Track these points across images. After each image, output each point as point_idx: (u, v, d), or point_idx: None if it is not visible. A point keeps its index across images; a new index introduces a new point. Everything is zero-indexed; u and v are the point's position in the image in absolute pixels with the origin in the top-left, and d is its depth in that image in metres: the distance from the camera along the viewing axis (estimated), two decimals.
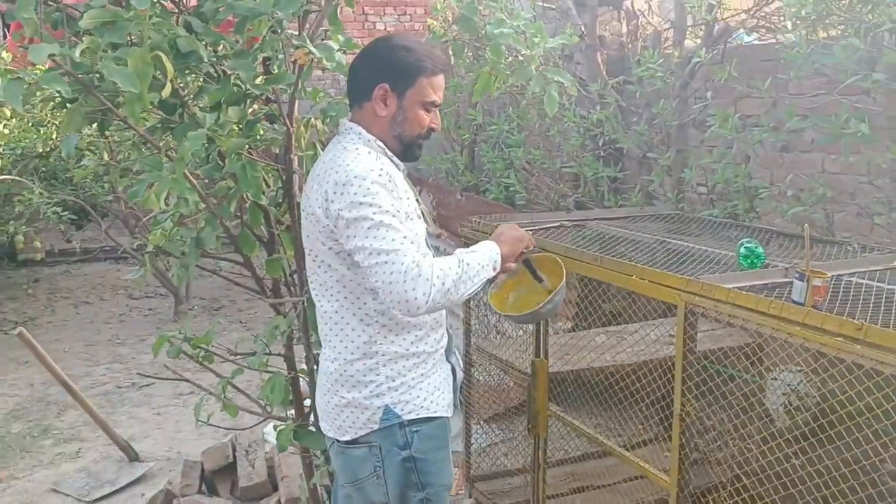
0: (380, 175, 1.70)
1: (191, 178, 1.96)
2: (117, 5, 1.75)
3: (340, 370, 1.81)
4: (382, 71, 1.80)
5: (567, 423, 2.57)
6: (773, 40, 3.56)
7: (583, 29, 4.27)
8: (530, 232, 2.72)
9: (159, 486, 3.48)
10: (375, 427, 1.79)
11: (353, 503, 1.89)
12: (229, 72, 2.04)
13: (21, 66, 1.77)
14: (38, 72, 1.71)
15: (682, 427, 2.02)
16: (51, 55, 1.62)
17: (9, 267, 7.85)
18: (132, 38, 1.79)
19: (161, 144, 1.93)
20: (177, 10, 2.05)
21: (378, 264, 1.64)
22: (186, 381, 2.46)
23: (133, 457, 3.77)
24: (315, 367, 2.20)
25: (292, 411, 2.46)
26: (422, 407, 1.81)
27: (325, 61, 1.87)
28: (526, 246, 1.92)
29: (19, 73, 1.62)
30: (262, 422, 2.52)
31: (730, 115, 3.20)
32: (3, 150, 5.33)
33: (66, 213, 5.43)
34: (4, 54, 4.20)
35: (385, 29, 8.90)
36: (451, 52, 2.72)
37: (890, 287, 1.99)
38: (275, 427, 2.39)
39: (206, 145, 2.02)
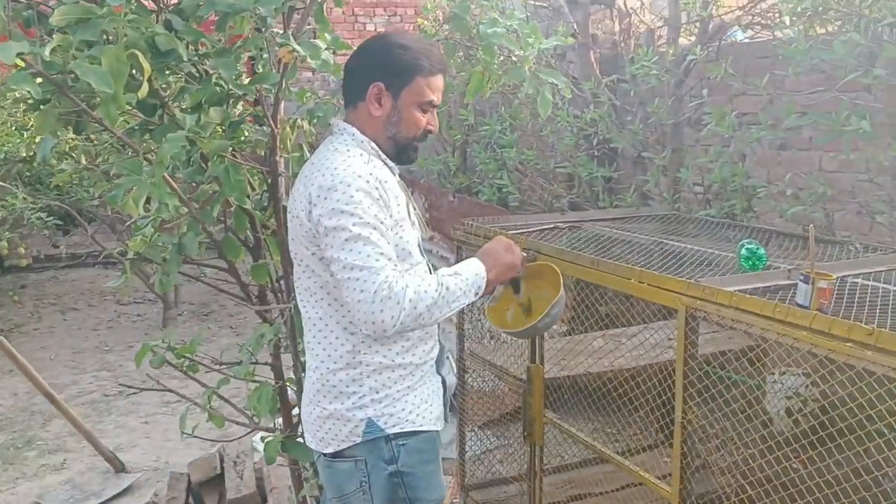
0: (367, 182, 1.62)
1: (171, 182, 1.88)
2: (91, 2, 1.67)
3: (323, 380, 1.74)
4: (377, 69, 1.73)
5: (564, 430, 2.50)
6: (769, 37, 3.51)
7: (575, 27, 4.20)
8: (524, 236, 2.68)
9: (146, 497, 3.40)
10: (358, 440, 1.71)
11: None
12: (211, 71, 1.97)
13: None
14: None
15: (684, 435, 1.95)
16: (19, 54, 1.54)
17: None
18: (108, 36, 1.72)
19: (141, 147, 1.85)
20: (157, 8, 1.97)
21: (350, 279, 1.57)
22: (170, 391, 2.38)
23: (119, 468, 3.68)
24: (303, 375, 2.12)
25: (281, 421, 2.39)
26: (407, 420, 1.73)
27: (309, 59, 1.79)
28: (515, 274, 1.82)
29: None
30: (250, 432, 2.44)
31: (727, 112, 3.14)
32: None
33: (50, 218, 5.33)
34: None
35: (375, 30, 8.82)
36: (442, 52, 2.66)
37: None
38: (262, 438, 2.31)
39: (188, 148, 1.95)
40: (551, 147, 4.37)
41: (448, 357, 1.98)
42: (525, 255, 1.85)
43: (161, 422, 4.33)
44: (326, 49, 2.27)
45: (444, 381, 1.89)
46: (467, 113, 5.10)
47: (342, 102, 1.90)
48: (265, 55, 2.07)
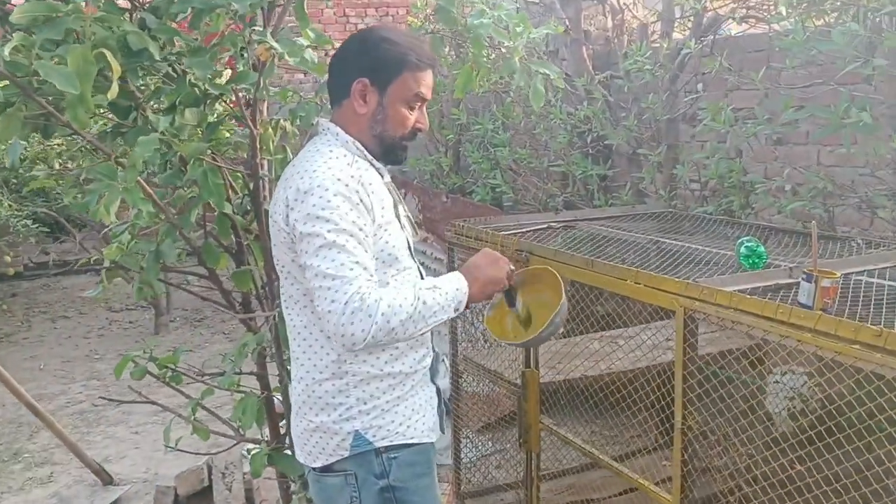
0: (346, 185, 1.54)
1: (146, 187, 1.80)
2: None
3: (308, 391, 1.66)
4: (362, 65, 1.64)
5: (560, 437, 2.42)
6: (765, 30, 3.44)
7: (567, 23, 4.14)
8: (518, 237, 2.60)
9: None
10: (346, 454, 1.63)
11: None
12: (187, 71, 1.89)
13: None
14: None
15: (685, 441, 1.87)
16: None
17: None
18: (78, 35, 1.64)
19: (113, 151, 1.77)
20: (131, 6, 1.90)
21: (321, 288, 1.49)
22: (154, 402, 2.30)
23: (107, 480, 3.60)
24: (289, 385, 2.05)
25: (268, 433, 2.31)
26: (396, 433, 1.65)
27: (287, 57, 1.71)
28: (500, 289, 1.73)
29: None
30: (236, 444, 2.36)
31: (722, 107, 3.07)
32: None
33: (35, 225, 5.23)
34: None
35: None
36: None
37: None
38: (248, 451, 2.23)
39: (165, 151, 1.87)
40: (545, 145, 4.30)
41: (443, 360, 1.90)
42: (513, 269, 1.75)
43: (151, 432, 4.24)
44: (309, 46, 2.20)
45: (438, 391, 1.81)
46: (459, 112, 5.03)
47: (328, 101, 1.83)
48: (245, 54, 2.00)
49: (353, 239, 1.51)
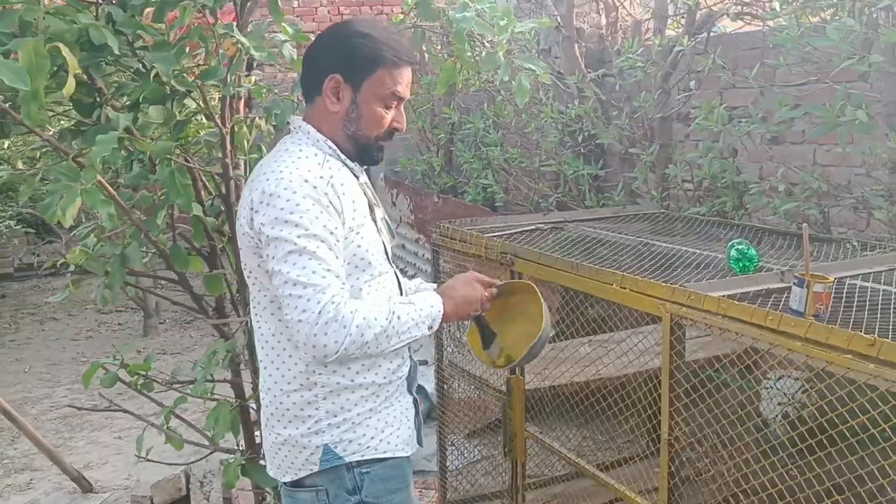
0: (315, 187, 1.46)
1: (108, 187, 1.72)
2: None
3: (276, 402, 1.59)
4: (335, 60, 1.55)
5: (546, 446, 2.35)
6: (760, 27, 3.36)
7: (559, 20, 4.06)
8: (503, 238, 2.53)
9: None
10: (316, 468, 1.56)
11: None
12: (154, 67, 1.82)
13: None
14: None
15: (671, 453, 1.80)
16: None
17: None
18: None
19: (72, 151, 1.69)
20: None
21: (291, 297, 1.42)
22: (125, 411, 2.23)
23: (87, 488, 3.52)
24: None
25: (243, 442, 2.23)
26: (368, 447, 1.58)
27: (253, 52, 1.63)
28: (475, 310, 1.65)
29: None
30: (210, 454, 2.28)
31: (715, 105, 2.99)
32: None
33: (19, 226, 5.15)
34: None
35: None
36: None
37: None
38: (222, 462, 2.15)
39: (129, 151, 1.79)
40: (536, 145, 4.22)
41: (429, 367, 1.82)
42: (492, 292, 1.67)
43: (134, 438, 4.14)
44: (286, 41, 2.13)
45: (416, 402, 1.74)
46: (451, 111, 4.95)
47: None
48: (222, 50, 1.92)
49: (324, 245, 1.44)
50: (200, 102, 1.82)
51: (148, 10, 1.81)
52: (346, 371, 1.56)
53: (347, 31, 1.59)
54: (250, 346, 2.07)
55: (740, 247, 1.99)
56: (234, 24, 1.74)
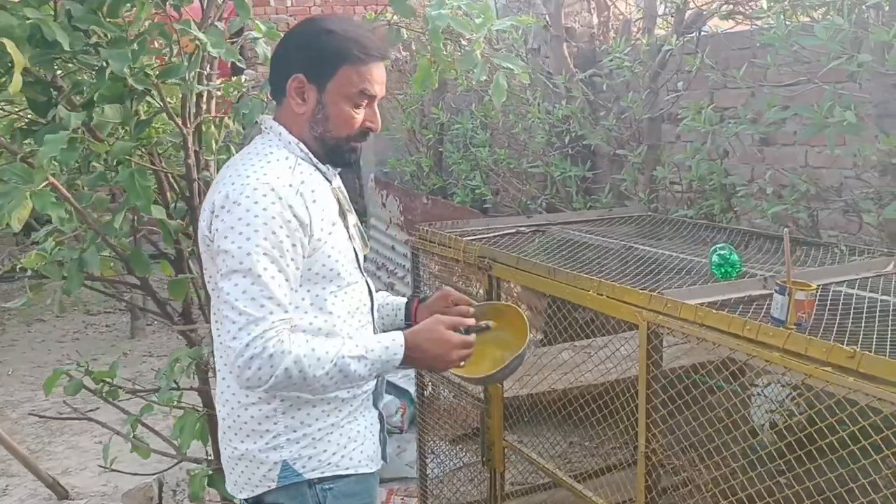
0: (280, 198, 1.38)
1: (62, 189, 1.65)
2: None
3: (234, 415, 1.52)
4: (298, 59, 1.48)
5: (524, 455, 2.28)
6: (751, 26, 3.30)
7: (547, 19, 4.00)
8: (484, 243, 2.45)
9: None
10: (274, 485, 1.49)
11: None
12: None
13: None
14: None
15: (648, 467, 1.73)
16: None
17: None
18: None
19: (21, 151, 1.63)
20: None
21: (227, 318, 1.36)
22: (88, 419, 2.16)
23: (62, 494, 3.45)
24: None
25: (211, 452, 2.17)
26: (329, 463, 1.50)
27: (209, 48, 1.57)
28: (452, 363, 1.52)
29: None
30: (177, 463, 2.22)
31: (703, 106, 2.93)
32: None
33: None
34: None
35: None
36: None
37: (885, 298, 1.72)
38: (188, 472, 2.09)
39: (87, 152, 1.73)
40: (524, 146, 4.15)
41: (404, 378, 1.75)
42: (472, 339, 1.53)
43: (115, 442, 4.08)
44: (260, 38, 2.07)
45: (381, 416, 1.67)
46: (439, 111, 4.89)
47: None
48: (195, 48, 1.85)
49: (272, 266, 1.36)
50: (159, 101, 1.75)
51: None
52: None
53: (312, 28, 1.52)
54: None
55: (723, 252, 1.92)
56: (192, 20, 1.67)
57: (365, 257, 1.66)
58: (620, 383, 2.21)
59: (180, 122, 1.81)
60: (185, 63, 1.76)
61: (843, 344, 1.31)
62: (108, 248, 1.81)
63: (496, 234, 2.64)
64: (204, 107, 2.02)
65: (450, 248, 2.43)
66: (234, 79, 2.47)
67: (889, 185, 2.39)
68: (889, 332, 1.47)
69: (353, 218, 1.62)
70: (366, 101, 1.51)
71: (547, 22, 3.96)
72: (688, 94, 3.27)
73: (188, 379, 2.02)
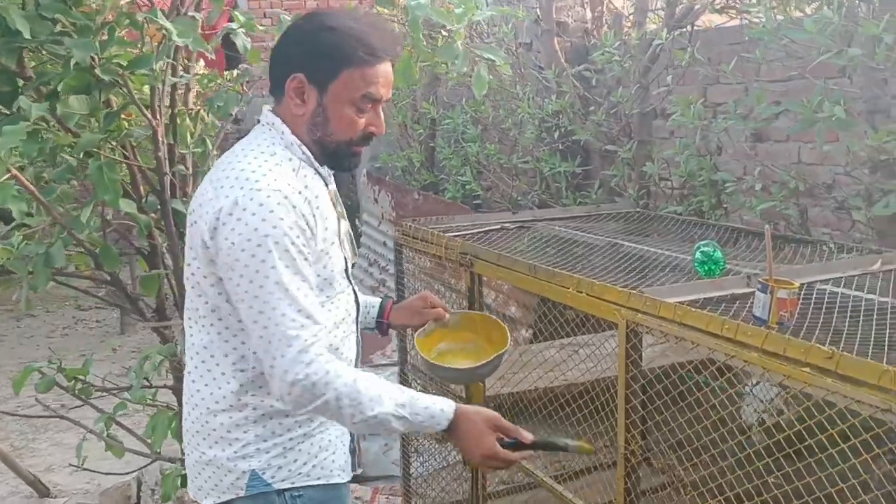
0: (294, 206, 1.33)
1: (25, 182, 1.61)
2: None
3: (202, 420, 1.46)
4: (298, 58, 1.40)
5: None
6: (744, 21, 3.25)
7: (538, 13, 3.95)
8: (467, 239, 2.42)
9: None
10: (242, 493, 1.44)
11: None
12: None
13: None
14: None
15: (628, 468, 1.70)
16: None
17: None
18: None
19: None
20: None
21: (262, 339, 1.33)
22: (62, 417, 2.12)
23: (44, 492, 3.41)
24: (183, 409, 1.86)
25: None
26: (299, 474, 1.46)
27: (175, 37, 1.52)
28: (492, 468, 1.51)
29: None
30: (151, 462, 2.18)
31: (692, 101, 2.88)
32: None
33: None
34: None
35: None
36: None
37: (869, 297, 1.68)
38: (162, 472, 2.05)
39: (52, 144, 1.68)
40: (514, 141, 4.11)
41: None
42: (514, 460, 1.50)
43: (96, 440, 4.05)
44: (239, 29, 2.03)
45: None
46: (430, 106, 4.84)
47: (249, 90, 1.64)
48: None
49: (296, 278, 1.32)
50: (126, 93, 1.71)
51: None
52: None
53: (313, 24, 1.42)
54: None
55: (706, 248, 1.88)
56: (159, 9, 1.62)
57: (354, 264, 1.62)
58: (601, 382, 2.17)
59: (150, 115, 1.76)
60: (155, 53, 1.72)
61: (824, 344, 1.28)
62: (76, 244, 1.77)
63: (480, 230, 2.60)
64: (179, 99, 1.97)
65: (432, 244, 2.39)
66: (226, 72, 2.44)
67: (878, 181, 2.35)
68: (873, 332, 1.44)
69: (345, 224, 1.56)
70: (370, 105, 1.44)
71: (538, 16, 3.91)
72: (680, 90, 3.23)
73: (161, 377, 1.98)
